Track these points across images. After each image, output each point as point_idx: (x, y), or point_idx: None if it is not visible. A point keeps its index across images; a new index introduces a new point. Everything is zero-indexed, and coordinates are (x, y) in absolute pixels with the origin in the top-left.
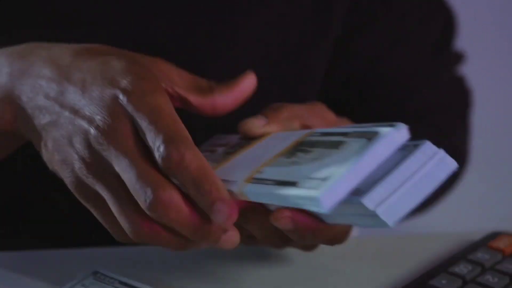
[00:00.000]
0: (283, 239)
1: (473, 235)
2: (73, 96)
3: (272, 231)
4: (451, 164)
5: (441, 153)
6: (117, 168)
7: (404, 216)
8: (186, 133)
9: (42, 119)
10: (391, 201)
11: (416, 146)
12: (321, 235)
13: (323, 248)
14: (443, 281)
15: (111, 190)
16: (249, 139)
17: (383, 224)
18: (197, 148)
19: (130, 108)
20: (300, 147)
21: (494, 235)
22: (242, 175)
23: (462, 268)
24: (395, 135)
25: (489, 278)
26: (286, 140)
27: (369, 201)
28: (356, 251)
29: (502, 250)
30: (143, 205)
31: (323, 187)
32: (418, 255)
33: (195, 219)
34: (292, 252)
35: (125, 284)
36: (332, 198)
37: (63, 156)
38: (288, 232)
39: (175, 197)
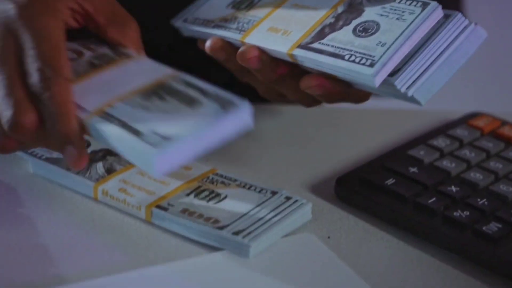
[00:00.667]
0: (313, 101)
1: (453, 113)
2: None
3: (304, 95)
4: (482, 35)
5: (472, 25)
6: None
7: (437, 91)
8: (63, 63)
9: None
10: (422, 81)
11: (447, 18)
12: (347, 98)
13: (305, 118)
14: (421, 152)
15: None
16: (117, 54)
17: (416, 102)
18: (69, 83)
19: (20, 27)
20: (159, 90)
21: (474, 115)
22: (94, 103)
23: (441, 142)
24: (246, 112)
25: (466, 152)
26: (149, 73)
27: (400, 83)
28: (338, 122)
29: (481, 128)
30: (4, 124)
31: (160, 146)
32: (399, 128)
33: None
34: (281, 119)
35: None
36: (165, 160)
37: None
38: (317, 96)
39: (32, 122)
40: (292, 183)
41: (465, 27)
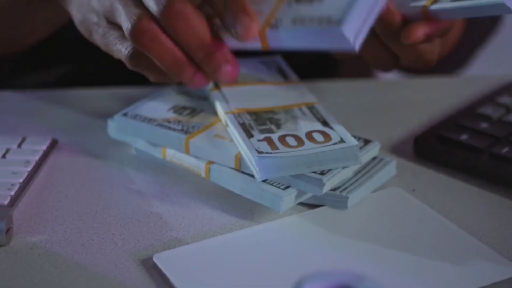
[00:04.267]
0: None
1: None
2: None
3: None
4: None
5: None
6: None
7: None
8: None
9: None
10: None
11: None
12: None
13: (374, 90)
14: (489, 110)
15: None
16: None
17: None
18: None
19: None
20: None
21: None
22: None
23: (506, 99)
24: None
25: None
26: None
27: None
28: (404, 91)
29: None
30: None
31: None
32: (462, 93)
33: (206, 37)
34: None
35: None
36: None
37: None
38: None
39: (188, 10)
40: None
41: None
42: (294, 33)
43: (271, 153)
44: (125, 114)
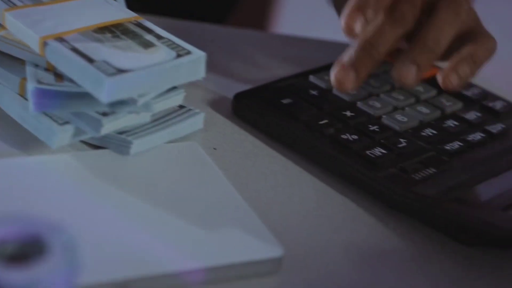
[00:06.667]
0: None
1: None
2: None
3: None
4: None
5: None
6: None
7: None
8: None
9: None
10: None
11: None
12: None
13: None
14: (325, 77)
15: None
16: None
17: None
18: None
19: None
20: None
21: None
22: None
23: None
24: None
25: (370, 81)
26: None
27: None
28: (240, 46)
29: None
30: None
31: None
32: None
33: None
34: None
35: None
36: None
37: None
38: None
39: None
40: (191, 97)
41: None
42: (67, 57)
43: (52, 84)
44: None
